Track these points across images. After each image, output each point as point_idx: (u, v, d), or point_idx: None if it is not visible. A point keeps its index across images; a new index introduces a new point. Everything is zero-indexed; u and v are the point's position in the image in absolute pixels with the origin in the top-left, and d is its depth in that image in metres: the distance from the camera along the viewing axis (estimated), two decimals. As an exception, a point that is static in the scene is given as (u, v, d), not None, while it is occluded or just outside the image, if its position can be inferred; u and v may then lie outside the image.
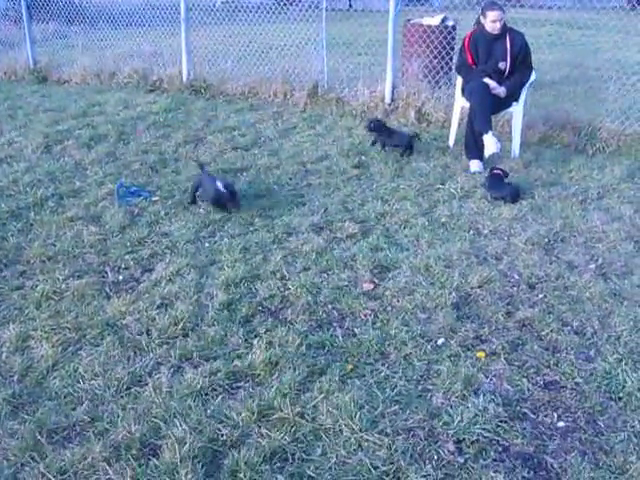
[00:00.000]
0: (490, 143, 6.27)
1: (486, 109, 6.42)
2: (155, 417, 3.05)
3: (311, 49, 9.25)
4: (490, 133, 6.28)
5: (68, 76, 10.83)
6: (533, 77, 6.74)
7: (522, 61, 6.43)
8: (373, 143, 6.99)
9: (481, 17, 6.49)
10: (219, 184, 5.32)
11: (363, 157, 6.75)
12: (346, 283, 4.27)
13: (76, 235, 4.95)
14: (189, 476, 2.69)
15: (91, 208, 5.46)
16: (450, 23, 8.96)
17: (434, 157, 6.77)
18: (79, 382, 3.31)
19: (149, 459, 2.81)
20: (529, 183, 6.06)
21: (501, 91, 6.40)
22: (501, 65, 6.41)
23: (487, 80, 6.40)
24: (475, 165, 6.40)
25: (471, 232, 5.07)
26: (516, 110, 6.73)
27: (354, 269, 4.46)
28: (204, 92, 9.62)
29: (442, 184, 6.02)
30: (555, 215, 5.39)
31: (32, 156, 6.81)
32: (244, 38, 10.23)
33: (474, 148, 6.46)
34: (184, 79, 9.90)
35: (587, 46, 12.35)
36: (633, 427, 3.05)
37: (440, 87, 8.36)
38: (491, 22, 6.33)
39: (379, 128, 6.85)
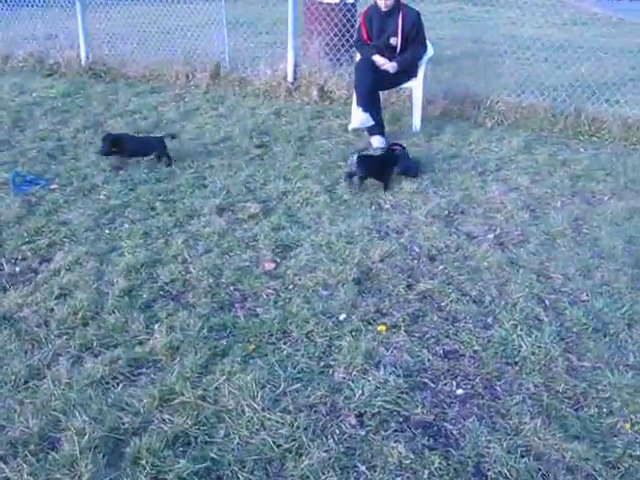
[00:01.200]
0: (356, 117, 6.55)
1: (365, 86, 6.54)
2: (54, 410, 2.97)
3: (212, 29, 9.13)
4: (360, 109, 6.47)
5: (-45, 61, 10.37)
6: (431, 53, 6.84)
7: (414, 38, 6.50)
8: (116, 168, 5.88)
9: None
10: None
11: (266, 136, 6.72)
12: (248, 264, 4.26)
13: (-31, 228, 4.77)
14: (89, 467, 2.64)
15: (-16, 199, 5.26)
16: (350, 0, 8.97)
17: (336, 135, 6.80)
18: (-27, 379, 3.21)
19: (48, 453, 2.74)
20: (430, 157, 6.17)
21: (390, 67, 6.48)
22: (392, 41, 6.47)
23: (375, 57, 6.49)
24: (377, 141, 6.46)
25: (373, 207, 5.12)
26: (415, 85, 6.82)
27: (256, 249, 4.45)
28: (104, 75, 9.37)
29: (344, 161, 6.04)
30: (455, 187, 5.51)
31: None
32: (144, 19, 10.01)
33: (375, 125, 6.52)
34: (82, 62, 9.60)
35: (485, 22, 12.59)
36: (528, 389, 3.17)
37: (342, 64, 8.39)
38: None
39: (120, 142, 5.93)
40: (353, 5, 8.86)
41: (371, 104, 6.49)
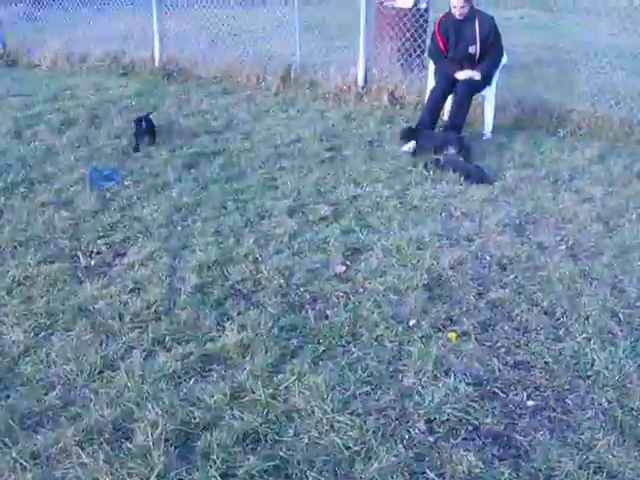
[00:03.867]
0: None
1: (432, 113, 6.63)
2: (128, 401, 3.05)
3: (284, 32, 9.19)
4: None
5: (38, 60, 10.63)
6: (505, 60, 6.77)
7: (492, 44, 6.44)
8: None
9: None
10: None
11: (336, 140, 6.74)
12: (318, 266, 4.28)
13: (47, 220, 4.90)
14: (162, 458, 2.70)
15: (63, 193, 5.40)
16: (423, 5, 8.90)
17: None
18: (51, 367, 3.30)
19: (122, 442, 2.82)
20: (501, 165, 6.10)
21: (476, 74, 6.43)
22: (471, 50, 6.42)
23: (458, 75, 6.46)
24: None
25: (443, 214, 5.09)
26: (488, 93, 6.76)
27: (326, 252, 4.47)
28: (176, 76, 9.51)
29: (414, 166, 6.02)
30: (526, 197, 5.44)
31: (2, 141, 6.71)
32: (216, 21, 10.14)
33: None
34: (156, 63, 9.77)
35: (559, 29, 12.38)
36: (601, 404, 3.12)
37: (413, 70, 8.35)
38: (452, 7, 6.36)
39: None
40: (426, 10, 8.81)
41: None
